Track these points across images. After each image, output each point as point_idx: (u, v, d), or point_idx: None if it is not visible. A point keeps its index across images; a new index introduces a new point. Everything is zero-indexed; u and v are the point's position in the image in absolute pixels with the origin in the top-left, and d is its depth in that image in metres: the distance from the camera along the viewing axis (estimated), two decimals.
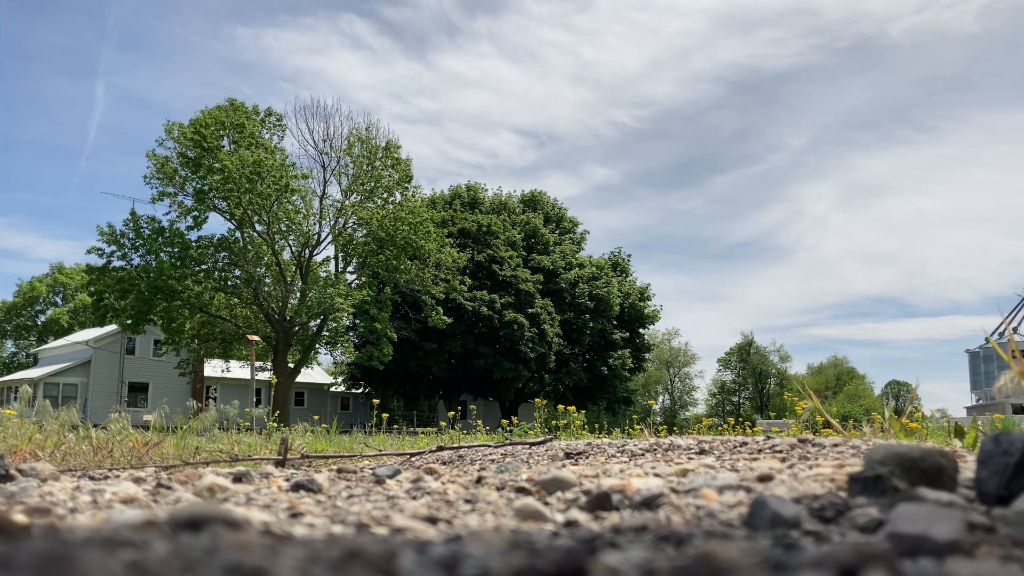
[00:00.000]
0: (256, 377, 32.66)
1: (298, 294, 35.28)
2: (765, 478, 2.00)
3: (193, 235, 33.80)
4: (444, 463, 4.76)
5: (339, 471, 3.30)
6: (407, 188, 37.34)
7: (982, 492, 1.51)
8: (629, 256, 54.73)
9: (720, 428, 13.70)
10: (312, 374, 50.43)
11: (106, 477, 3.08)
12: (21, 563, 0.78)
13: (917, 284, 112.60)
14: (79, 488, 2.24)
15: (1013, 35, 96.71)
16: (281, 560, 0.85)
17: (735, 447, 3.78)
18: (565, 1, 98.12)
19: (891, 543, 1.12)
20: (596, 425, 14.87)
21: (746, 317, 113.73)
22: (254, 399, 18.16)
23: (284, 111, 47.09)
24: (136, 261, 33.40)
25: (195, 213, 33.49)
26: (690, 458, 3.49)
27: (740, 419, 18.87)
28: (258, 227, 34.55)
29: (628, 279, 53.32)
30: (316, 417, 13.32)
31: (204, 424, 8.31)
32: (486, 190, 50.57)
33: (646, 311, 51.92)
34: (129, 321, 33.28)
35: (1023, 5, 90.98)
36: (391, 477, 2.67)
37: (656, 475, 2.35)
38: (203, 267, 33.70)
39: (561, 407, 10.39)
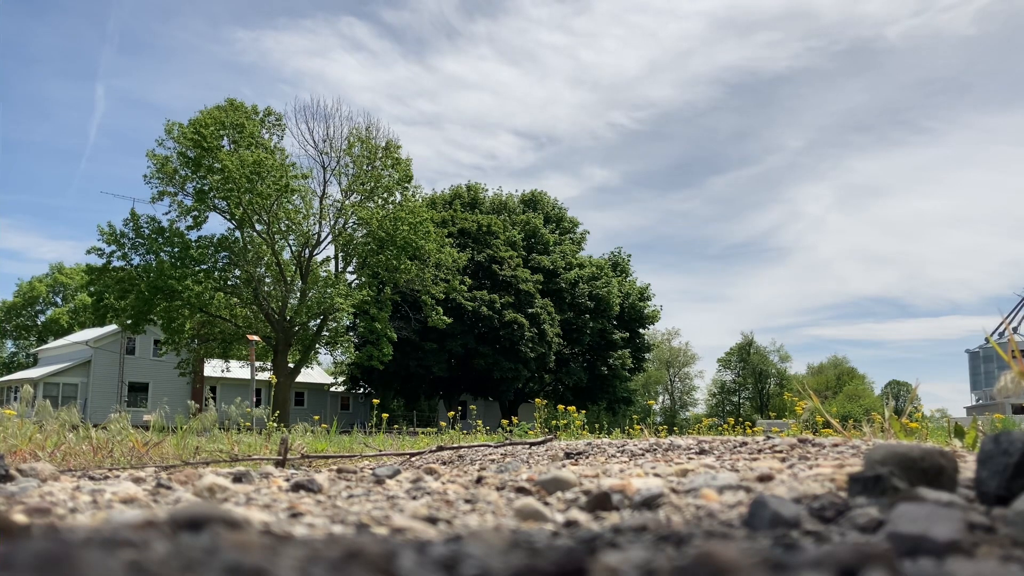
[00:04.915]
0: (256, 377, 32.65)
1: (298, 294, 35.26)
2: (765, 478, 2.00)
3: (193, 235, 33.84)
4: (444, 463, 4.77)
5: (339, 471, 3.30)
6: (407, 188, 37.34)
7: (982, 492, 1.51)
8: (629, 256, 54.75)
9: (720, 428, 13.70)
10: (312, 374, 50.42)
11: (106, 477, 3.08)
12: (21, 563, 0.78)
13: (916, 285, 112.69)
14: (79, 488, 2.24)
15: (1009, 37, 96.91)
16: (281, 560, 0.85)
17: (735, 447, 3.78)
18: (563, 4, 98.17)
19: (891, 543, 1.12)
20: (596, 425, 14.88)
21: (746, 317, 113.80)
22: (254, 399, 18.17)
23: (284, 111, 47.05)
24: (136, 261, 33.41)
25: (195, 213, 33.48)
26: (690, 458, 3.49)
27: (740, 419, 18.87)
28: (258, 227, 34.53)
29: (628, 279, 53.31)
30: (316, 417, 13.31)
31: (204, 424, 8.31)
32: (486, 190, 50.55)
33: (646, 311, 51.91)
34: (129, 321, 33.27)
35: (1019, 8, 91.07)
36: (391, 477, 2.67)
37: (656, 475, 2.35)
38: (203, 267, 33.67)
39: (561, 407, 10.39)
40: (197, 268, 33.26)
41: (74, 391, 42.18)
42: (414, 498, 2.08)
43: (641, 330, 52.40)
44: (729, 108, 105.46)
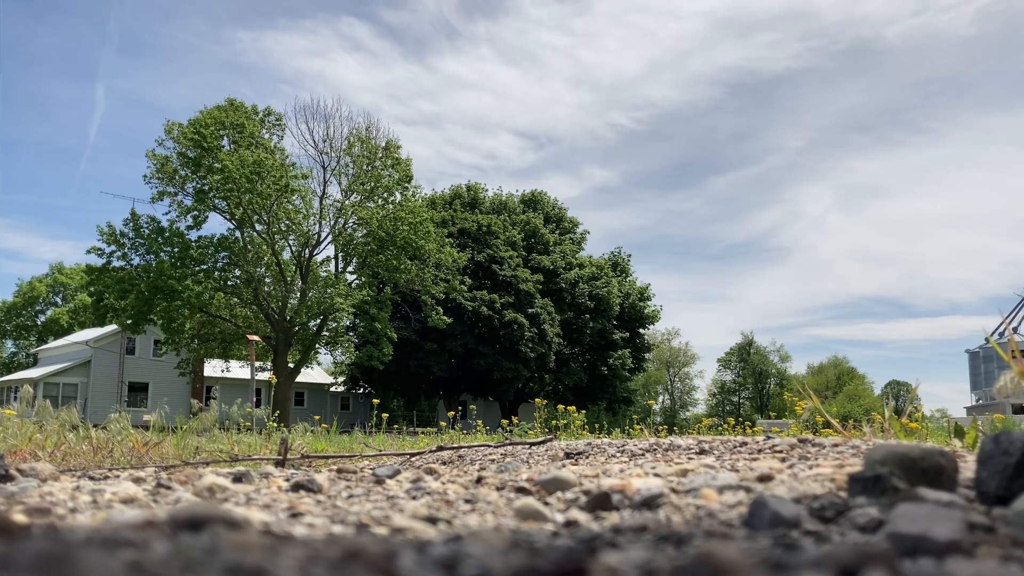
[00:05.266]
0: (256, 377, 32.64)
1: (298, 294, 35.27)
2: (765, 478, 2.00)
3: (193, 235, 33.83)
4: (444, 463, 4.77)
5: (339, 471, 3.30)
6: (407, 188, 37.34)
7: (982, 492, 1.51)
8: (629, 256, 54.75)
9: (720, 428, 13.70)
10: (312, 374, 50.41)
11: (106, 477, 3.08)
12: (21, 563, 0.78)
13: (916, 285, 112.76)
14: (79, 488, 2.24)
15: (1009, 37, 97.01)
16: (281, 560, 0.85)
17: (735, 447, 3.78)
18: (563, 4, 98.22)
19: (891, 543, 1.12)
20: (596, 425, 14.87)
21: (746, 317, 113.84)
22: (254, 399, 18.17)
23: (284, 111, 46.98)
24: (136, 261, 33.40)
25: (195, 213, 33.48)
26: (690, 458, 3.49)
27: (740, 419, 18.87)
28: (258, 227, 34.53)
29: (628, 279, 53.31)
30: (316, 417, 13.31)
31: (204, 424, 8.31)
32: (486, 190, 50.55)
33: (646, 311, 51.91)
34: (129, 321, 33.26)
35: (1019, 8, 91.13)
36: (391, 477, 2.67)
37: (656, 475, 2.35)
38: (203, 267, 33.67)
39: (561, 407, 10.39)
40: (197, 268, 33.25)
41: (74, 391, 42.18)
42: (414, 498, 2.08)
43: (641, 330, 52.39)
44: (729, 108, 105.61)
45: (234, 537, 0.95)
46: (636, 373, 53.61)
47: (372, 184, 36.31)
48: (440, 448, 5.29)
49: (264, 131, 35.57)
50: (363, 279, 36.66)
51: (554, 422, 9.84)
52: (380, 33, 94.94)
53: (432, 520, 1.68)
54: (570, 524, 1.65)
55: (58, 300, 69.08)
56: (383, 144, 37.05)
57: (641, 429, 8.53)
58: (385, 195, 36.74)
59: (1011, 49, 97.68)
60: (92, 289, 34.83)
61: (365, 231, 35.89)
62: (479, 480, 2.45)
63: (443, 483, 2.44)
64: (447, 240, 39.54)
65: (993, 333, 49.07)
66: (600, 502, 1.80)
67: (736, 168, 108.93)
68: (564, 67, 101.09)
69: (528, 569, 0.89)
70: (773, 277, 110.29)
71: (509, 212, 49.67)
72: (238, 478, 2.60)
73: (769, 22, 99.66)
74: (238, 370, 41.99)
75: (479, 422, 12.71)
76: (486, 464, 4.27)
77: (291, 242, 36.16)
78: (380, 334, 35.26)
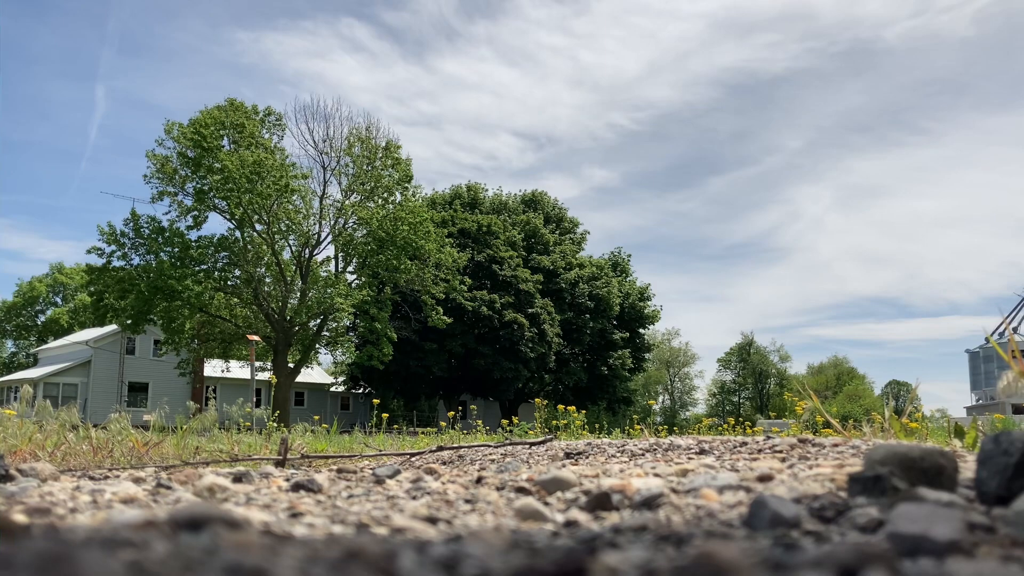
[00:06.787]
0: (256, 377, 32.64)
1: (298, 294, 35.26)
2: (765, 478, 2.00)
3: (193, 235, 33.80)
4: (444, 463, 4.77)
5: (339, 471, 3.30)
6: (407, 188, 37.35)
7: (982, 492, 1.51)
8: (629, 256, 54.76)
9: (720, 428, 13.69)
10: (312, 374, 50.40)
11: (106, 477, 3.08)
12: (21, 563, 0.78)
13: (915, 285, 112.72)
14: (79, 488, 2.24)
15: (1007, 38, 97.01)
16: (281, 560, 0.84)
17: (735, 447, 3.78)
18: (563, 5, 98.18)
19: (891, 543, 1.12)
20: (596, 425, 14.86)
21: (746, 317, 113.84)
22: (254, 399, 18.17)
23: (284, 111, 46.95)
24: (136, 261, 33.39)
25: (195, 213, 33.47)
26: (690, 458, 3.49)
27: (740, 419, 18.86)
28: (258, 227, 34.52)
29: (628, 279, 53.32)
30: (316, 417, 13.29)
31: (204, 424, 8.31)
32: (486, 190, 50.55)
33: (646, 311, 51.91)
34: (129, 321, 33.25)
35: (1018, 8, 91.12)
36: (391, 477, 2.67)
37: (656, 475, 2.35)
38: (203, 267, 33.66)
39: (561, 407, 10.38)
40: (197, 268, 33.24)
41: (74, 391, 42.17)
42: (414, 498, 2.08)
43: (641, 330, 52.40)
44: (728, 109, 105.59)
45: (234, 537, 0.95)
46: (636, 373, 53.62)
47: (372, 184, 36.31)
48: (440, 448, 5.29)
49: (264, 131, 35.58)
50: (363, 279, 36.66)
51: (554, 422, 9.83)
52: (380, 34, 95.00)
53: (432, 520, 1.68)
54: (570, 524, 1.65)
55: (58, 300, 69.09)
56: (383, 144, 37.05)
57: (641, 429, 8.53)
58: (385, 195, 36.74)
59: (1010, 49, 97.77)
60: (92, 289, 34.82)
61: (365, 231, 35.88)
62: (479, 480, 2.45)
63: (443, 483, 2.44)
64: (447, 240, 39.54)
65: (993, 333, 49.10)
66: (600, 502, 1.80)
67: (735, 168, 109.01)
68: (564, 68, 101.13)
69: (528, 569, 0.89)
70: (773, 277, 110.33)
71: (509, 212, 49.67)
72: (238, 478, 2.60)
73: (768, 23, 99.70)
74: (238, 370, 41.98)
75: (479, 422, 12.70)
76: (486, 464, 4.27)
77: (291, 242, 36.16)
78: (380, 334, 35.26)
